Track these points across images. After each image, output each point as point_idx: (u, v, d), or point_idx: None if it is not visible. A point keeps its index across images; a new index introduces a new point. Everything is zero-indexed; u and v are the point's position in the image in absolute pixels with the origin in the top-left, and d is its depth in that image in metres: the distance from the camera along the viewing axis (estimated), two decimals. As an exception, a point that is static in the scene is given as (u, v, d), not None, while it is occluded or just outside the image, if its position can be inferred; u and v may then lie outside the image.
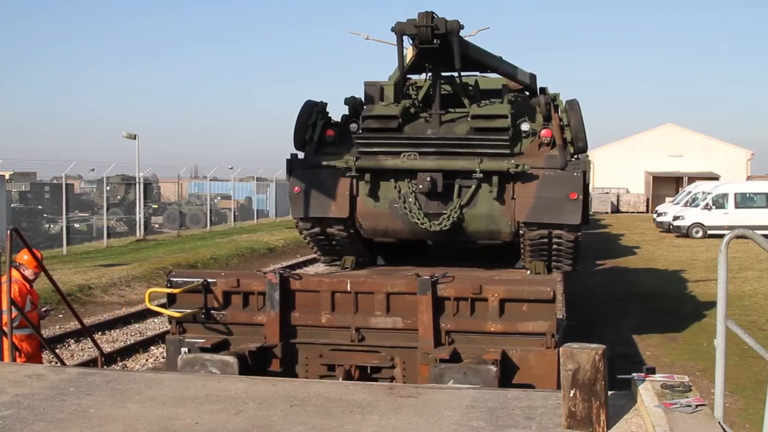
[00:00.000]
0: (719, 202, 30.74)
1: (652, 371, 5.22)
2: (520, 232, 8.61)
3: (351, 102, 9.09)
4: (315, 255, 9.81)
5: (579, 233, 8.50)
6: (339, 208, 8.59)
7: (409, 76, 9.35)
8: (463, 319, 6.07)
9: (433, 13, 7.35)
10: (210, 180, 37.88)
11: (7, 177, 28.15)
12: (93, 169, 38.76)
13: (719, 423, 4.36)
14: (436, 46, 7.63)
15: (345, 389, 5.66)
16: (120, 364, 10.78)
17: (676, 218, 31.79)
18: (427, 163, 8.34)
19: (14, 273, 6.79)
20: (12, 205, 28.64)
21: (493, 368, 5.55)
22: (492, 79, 9.63)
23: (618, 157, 56.18)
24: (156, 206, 38.44)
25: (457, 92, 8.83)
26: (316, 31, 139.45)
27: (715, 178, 46.63)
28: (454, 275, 6.19)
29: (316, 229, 8.95)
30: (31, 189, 34.81)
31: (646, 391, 4.85)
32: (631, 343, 11.93)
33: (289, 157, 8.93)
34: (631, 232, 34.69)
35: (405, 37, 7.78)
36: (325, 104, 9.15)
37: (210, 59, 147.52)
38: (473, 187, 8.40)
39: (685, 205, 33.34)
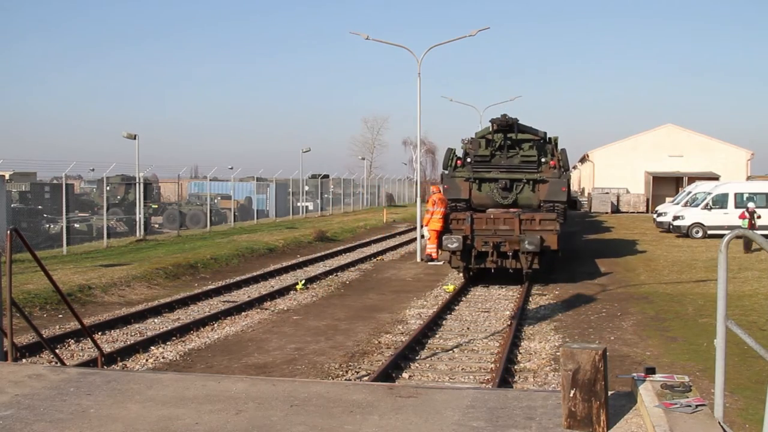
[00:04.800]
0: (719, 202, 30.77)
1: (652, 371, 5.22)
2: (541, 205, 18.96)
3: (463, 147, 19.99)
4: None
5: (566, 205, 19.50)
6: (464, 194, 19.36)
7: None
8: (528, 226, 17.31)
9: (507, 114, 18.62)
10: (210, 180, 37.80)
11: (7, 177, 28.08)
12: (93, 169, 38.79)
13: (719, 423, 4.36)
14: (507, 127, 18.60)
15: (345, 389, 5.67)
16: (120, 364, 10.76)
17: (676, 218, 31.81)
18: (503, 175, 19.06)
19: None
20: (12, 205, 28.55)
21: (539, 237, 16.86)
22: (526, 135, 19.50)
23: (618, 157, 56.20)
24: (156, 206, 38.35)
25: (513, 144, 19.28)
26: (317, 30, 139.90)
27: (715, 178, 46.60)
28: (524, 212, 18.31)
29: (454, 204, 19.18)
30: (31, 189, 34.65)
31: (646, 391, 4.85)
32: (631, 343, 11.93)
33: (439, 173, 20.15)
34: (631, 232, 34.69)
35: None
36: (455, 149, 20.11)
37: (211, 59, 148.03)
38: (522, 185, 19.06)
39: (685, 205, 33.34)
